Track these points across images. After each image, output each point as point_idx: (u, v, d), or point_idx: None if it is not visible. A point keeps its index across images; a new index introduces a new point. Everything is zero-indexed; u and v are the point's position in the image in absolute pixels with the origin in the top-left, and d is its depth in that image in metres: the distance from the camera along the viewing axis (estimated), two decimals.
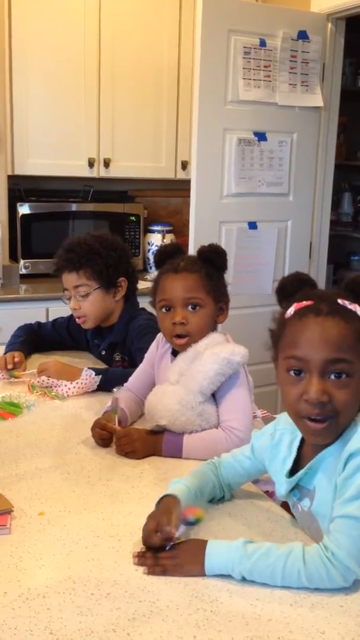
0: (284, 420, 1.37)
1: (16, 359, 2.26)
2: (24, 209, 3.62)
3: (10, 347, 2.38)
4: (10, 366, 2.23)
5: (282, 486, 1.34)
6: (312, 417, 1.19)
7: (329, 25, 3.45)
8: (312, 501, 1.28)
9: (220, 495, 1.44)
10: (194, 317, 1.71)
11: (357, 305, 1.21)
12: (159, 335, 1.87)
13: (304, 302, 1.23)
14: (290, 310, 1.24)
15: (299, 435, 1.32)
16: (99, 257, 2.24)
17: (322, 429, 1.20)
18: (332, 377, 1.17)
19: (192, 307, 1.72)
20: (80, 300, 2.25)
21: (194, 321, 1.71)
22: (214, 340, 1.71)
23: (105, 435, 1.71)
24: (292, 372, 1.21)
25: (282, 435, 1.36)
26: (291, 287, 1.29)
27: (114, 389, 1.79)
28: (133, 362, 2.21)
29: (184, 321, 1.70)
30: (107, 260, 2.25)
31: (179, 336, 1.72)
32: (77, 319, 2.31)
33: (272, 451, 1.37)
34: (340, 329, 1.17)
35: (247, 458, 1.44)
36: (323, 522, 1.25)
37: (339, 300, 1.20)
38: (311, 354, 1.17)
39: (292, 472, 1.32)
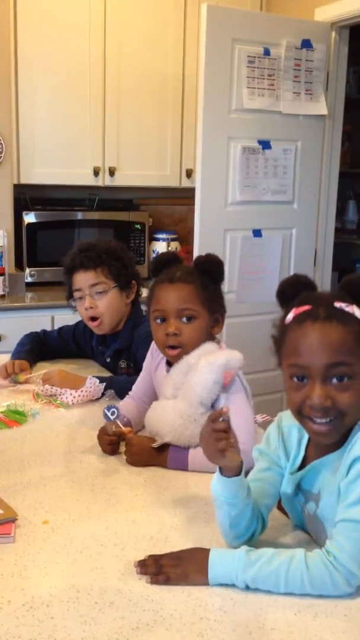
0: (287, 417, 1.36)
1: (22, 369, 2.27)
2: (29, 218, 3.63)
3: (16, 355, 2.39)
4: (16, 371, 2.25)
5: (287, 484, 1.33)
6: (316, 420, 1.20)
7: (333, 33, 3.46)
8: (318, 505, 1.28)
9: (257, 525, 1.31)
10: (187, 328, 1.70)
11: (354, 307, 1.21)
12: (153, 345, 1.86)
13: (302, 307, 1.23)
14: (289, 317, 1.24)
15: (307, 434, 1.31)
16: (116, 257, 2.27)
17: (326, 430, 1.20)
18: (334, 380, 1.18)
19: (186, 319, 1.70)
20: (97, 299, 2.25)
21: (187, 332, 1.70)
22: (205, 350, 1.69)
23: (113, 439, 1.71)
24: (295, 379, 1.21)
25: (290, 430, 1.35)
26: (290, 291, 1.30)
27: (106, 409, 1.76)
28: (138, 369, 2.21)
29: (177, 332, 1.69)
30: (123, 260, 2.29)
31: (172, 347, 1.71)
32: (90, 322, 2.29)
33: (284, 447, 1.35)
34: (339, 333, 1.18)
35: (266, 470, 1.36)
36: (329, 526, 1.25)
37: (336, 304, 1.21)
38: (311, 360, 1.18)
39: (298, 470, 1.31)
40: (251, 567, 1.16)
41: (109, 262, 2.25)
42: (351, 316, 1.20)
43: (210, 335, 1.75)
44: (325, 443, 1.25)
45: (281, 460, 1.35)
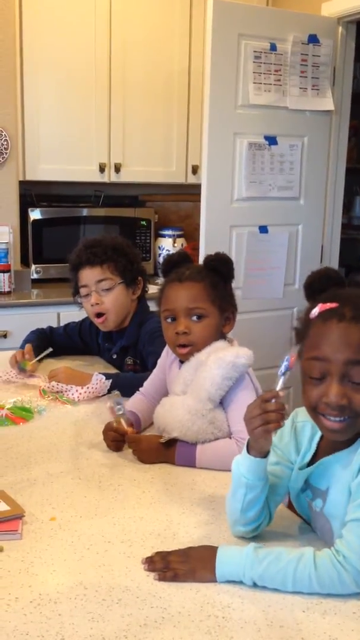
0: (302, 413, 1.36)
1: (26, 356, 2.27)
2: (35, 214, 3.63)
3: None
4: (19, 359, 2.26)
5: (295, 479, 1.33)
6: (330, 418, 1.19)
7: (340, 28, 3.44)
8: (325, 502, 1.27)
9: (265, 516, 1.33)
10: (197, 327, 1.70)
11: None
12: None
13: (329, 304, 1.22)
14: (315, 311, 1.23)
15: (319, 432, 1.31)
16: (122, 253, 2.28)
17: (339, 427, 1.20)
18: (353, 381, 1.18)
19: (196, 317, 1.70)
20: (103, 295, 2.25)
21: (197, 331, 1.69)
22: (216, 347, 1.69)
23: (117, 437, 1.71)
24: (313, 375, 1.21)
25: (303, 427, 1.35)
26: (319, 284, 1.29)
27: (109, 400, 1.76)
28: (145, 365, 2.21)
29: (187, 331, 1.69)
30: (129, 256, 2.29)
31: (182, 346, 1.71)
32: (96, 319, 2.29)
33: (296, 442, 1.35)
34: None
35: (275, 464, 1.36)
36: (335, 524, 1.24)
37: None
38: (332, 355, 1.18)
39: (308, 466, 1.31)
40: (259, 564, 1.15)
41: (115, 259, 2.25)
42: None
43: (221, 333, 1.74)
44: (337, 440, 1.24)
45: (291, 455, 1.35)
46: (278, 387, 1.23)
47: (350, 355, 1.17)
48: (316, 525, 1.33)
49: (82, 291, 2.29)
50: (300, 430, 1.35)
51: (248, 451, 1.26)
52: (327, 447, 1.29)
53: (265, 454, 1.25)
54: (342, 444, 1.24)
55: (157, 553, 1.23)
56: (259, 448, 1.25)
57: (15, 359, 2.29)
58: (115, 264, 2.25)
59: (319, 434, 1.32)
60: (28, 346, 2.33)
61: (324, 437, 1.31)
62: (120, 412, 1.73)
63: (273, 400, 1.21)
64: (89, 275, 2.25)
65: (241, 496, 1.27)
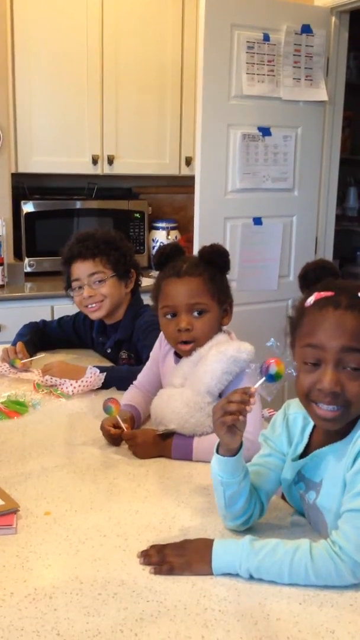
0: (294, 405, 1.36)
1: (19, 355, 2.27)
2: (28, 207, 3.61)
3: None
4: (11, 356, 2.26)
5: (288, 470, 1.33)
6: (323, 406, 1.19)
7: (333, 18, 3.42)
8: (318, 494, 1.27)
9: (255, 509, 1.32)
10: (199, 322, 1.69)
11: None
12: (161, 335, 1.85)
13: (324, 292, 1.22)
14: (310, 300, 1.23)
15: (312, 422, 1.31)
16: (114, 246, 2.28)
17: (332, 416, 1.19)
18: (347, 368, 1.18)
19: (197, 313, 1.69)
20: (96, 288, 2.25)
21: (199, 326, 1.68)
22: (217, 341, 1.68)
23: (115, 433, 1.70)
24: (308, 363, 1.21)
25: (295, 418, 1.35)
26: (313, 275, 1.29)
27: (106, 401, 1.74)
28: (140, 359, 2.21)
29: (190, 327, 1.68)
30: (121, 250, 2.29)
31: (185, 342, 1.70)
32: (88, 308, 2.29)
33: (287, 433, 1.35)
34: (358, 322, 1.17)
35: (267, 456, 1.37)
36: (328, 516, 1.25)
37: None
38: (327, 341, 1.18)
39: (301, 458, 1.31)
40: (255, 556, 1.15)
41: (107, 252, 2.25)
42: None
43: (220, 326, 1.74)
44: (329, 429, 1.24)
45: (284, 446, 1.35)
46: (256, 385, 1.24)
47: (345, 342, 1.17)
48: (309, 517, 1.33)
49: (75, 284, 2.28)
50: (292, 421, 1.35)
51: (217, 450, 1.27)
52: (319, 438, 1.29)
53: (234, 453, 1.25)
54: (335, 436, 1.24)
55: (153, 546, 1.23)
56: (225, 446, 1.25)
57: (7, 354, 2.28)
58: (107, 257, 2.25)
59: (310, 425, 1.32)
60: (20, 344, 2.32)
61: (316, 429, 1.31)
62: (110, 413, 1.70)
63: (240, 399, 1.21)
64: (81, 269, 2.25)
65: (221, 493, 1.28)
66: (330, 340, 1.17)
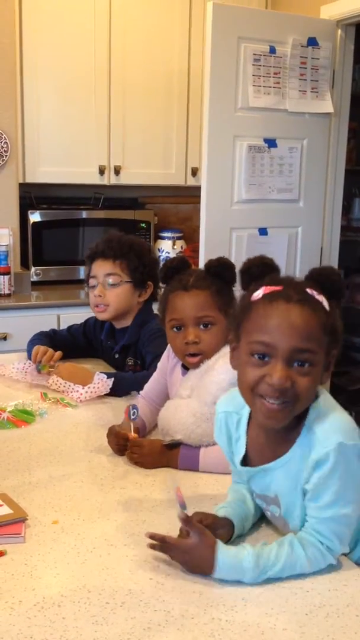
0: (221, 404, 1.38)
1: (51, 362, 2.29)
2: (35, 217, 3.63)
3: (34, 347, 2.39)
4: (41, 358, 2.28)
5: (239, 474, 1.35)
6: (270, 400, 1.18)
7: (339, 31, 3.45)
8: (280, 507, 1.29)
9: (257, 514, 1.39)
10: (206, 335, 1.69)
11: (323, 297, 1.21)
12: (169, 347, 1.86)
13: (273, 286, 1.22)
14: (259, 293, 1.22)
15: (245, 415, 1.32)
16: (137, 254, 2.29)
17: (278, 410, 1.18)
18: (296, 364, 1.17)
19: (203, 326, 1.70)
20: (108, 289, 2.26)
21: (207, 339, 1.69)
22: (224, 353, 1.68)
23: (121, 442, 1.71)
24: (255, 356, 1.19)
25: (226, 416, 1.36)
26: (257, 270, 1.28)
27: (135, 397, 1.77)
28: (144, 366, 2.22)
29: (197, 340, 1.69)
30: (143, 259, 2.30)
31: (192, 355, 1.71)
32: (97, 307, 2.30)
33: (226, 431, 1.36)
34: (309, 319, 1.17)
35: (236, 484, 1.42)
36: (293, 522, 1.28)
37: (308, 290, 1.21)
38: (279, 340, 1.17)
39: (244, 458, 1.33)
40: (264, 575, 1.18)
41: (128, 257, 2.27)
42: (320, 305, 1.20)
43: (227, 337, 1.75)
44: (272, 426, 1.23)
45: (231, 447, 1.37)
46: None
47: (298, 339, 1.16)
48: (277, 525, 1.35)
49: (91, 281, 2.31)
50: (224, 420, 1.36)
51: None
52: (257, 436, 1.30)
53: (229, 537, 1.28)
54: (275, 438, 1.25)
55: (161, 538, 1.24)
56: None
57: (36, 355, 2.29)
58: (127, 262, 2.27)
59: (244, 419, 1.32)
60: (54, 352, 2.32)
61: (251, 425, 1.31)
62: (134, 417, 1.72)
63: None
64: (100, 267, 2.28)
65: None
66: (282, 337, 1.16)
